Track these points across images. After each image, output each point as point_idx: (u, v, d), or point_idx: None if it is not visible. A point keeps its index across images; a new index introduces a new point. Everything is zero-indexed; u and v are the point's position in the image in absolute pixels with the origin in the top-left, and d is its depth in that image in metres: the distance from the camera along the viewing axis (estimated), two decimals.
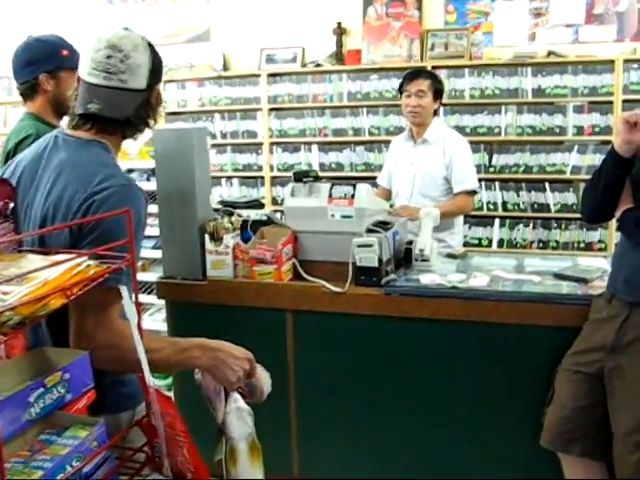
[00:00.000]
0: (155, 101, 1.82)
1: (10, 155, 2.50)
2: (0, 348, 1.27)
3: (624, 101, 4.84)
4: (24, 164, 1.74)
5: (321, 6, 5.71)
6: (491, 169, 5.23)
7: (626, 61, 4.79)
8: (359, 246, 2.61)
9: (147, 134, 3.66)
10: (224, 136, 5.99)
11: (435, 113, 3.74)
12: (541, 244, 5.19)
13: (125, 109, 1.71)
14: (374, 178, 4.29)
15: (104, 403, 1.46)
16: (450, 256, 3.17)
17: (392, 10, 5.57)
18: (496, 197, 5.25)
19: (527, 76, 5.12)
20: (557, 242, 5.16)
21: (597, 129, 4.99)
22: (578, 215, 3.50)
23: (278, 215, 3.30)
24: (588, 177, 2.40)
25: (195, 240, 2.83)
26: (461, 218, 3.85)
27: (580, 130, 5.04)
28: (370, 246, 2.59)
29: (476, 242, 5.29)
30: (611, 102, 4.92)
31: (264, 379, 1.75)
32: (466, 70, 5.23)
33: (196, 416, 2.98)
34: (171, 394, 3.07)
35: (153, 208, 3.23)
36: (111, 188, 1.58)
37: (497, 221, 5.28)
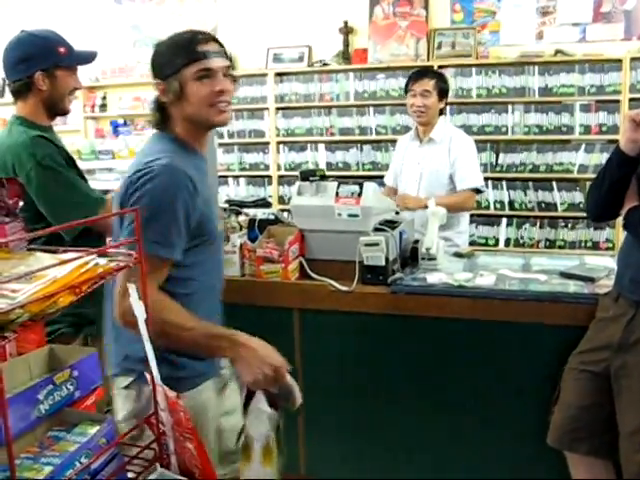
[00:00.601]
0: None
1: (10, 171, 2.30)
2: (10, 345, 1.28)
3: (631, 99, 4.84)
4: None
5: (328, 5, 5.72)
6: (498, 168, 5.24)
7: (633, 59, 4.79)
8: (366, 245, 2.61)
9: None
10: (231, 135, 6.01)
11: (441, 112, 3.74)
12: (548, 243, 5.19)
13: None
14: (381, 177, 4.30)
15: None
16: (457, 255, 3.17)
17: (399, 9, 5.58)
18: (503, 196, 5.25)
19: (534, 75, 5.12)
20: (564, 241, 5.16)
21: (604, 128, 4.99)
22: (585, 214, 3.54)
23: (285, 214, 3.31)
24: (595, 176, 2.40)
25: None
26: (467, 217, 3.85)
27: (587, 129, 5.04)
28: (377, 245, 2.60)
29: (483, 241, 5.29)
30: (618, 101, 4.92)
31: (296, 389, 1.75)
32: (473, 69, 5.24)
33: None
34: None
35: None
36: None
37: (504, 220, 5.29)
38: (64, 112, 2.51)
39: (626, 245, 2.36)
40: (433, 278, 2.70)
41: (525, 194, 5.20)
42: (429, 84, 3.61)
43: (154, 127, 1.97)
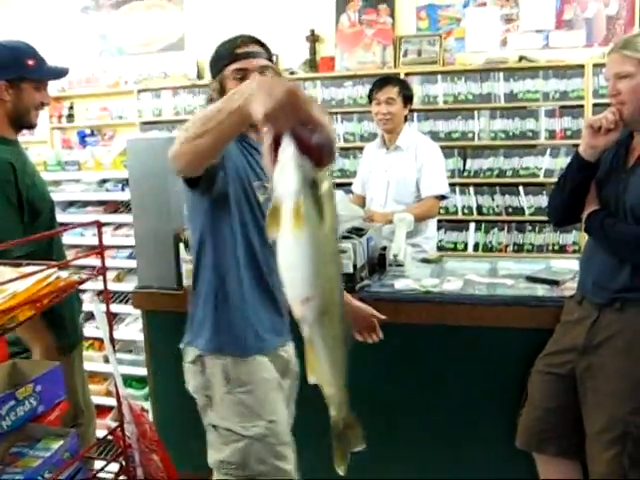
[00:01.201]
0: None
1: None
2: None
3: (594, 105, 4.90)
4: None
5: (294, 14, 5.73)
6: (465, 174, 5.28)
7: (595, 65, 4.85)
8: None
9: (122, 144, 3.68)
10: None
11: (405, 119, 3.76)
12: (516, 247, 5.24)
13: None
14: (349, 184, 4.31)
15: None
16: (424, 261, 3.20)
17: (365, 17, 5.61)
18: (471, 201, 5.29)
19: (499, 81, 5.17)
20: (532, 245, 5.21)
21: (569, 132, 5.05)
22: None
23: None
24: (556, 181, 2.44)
25: (170, 249, 2.83)
26: (435, 222, 3.88)
27: (552, 134, 5.10)
28: (344, 252, 2.61)
29: (452, 246, 5.32)
30: (582, 106, 4.98)
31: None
32: (439, 76, 5.28)
33: (173, 425, 2.99)
34: (148, 404, 3.07)
35: (128, 218, 3.23)
36: None
37: (472, 225, 5.32)
38: (30, 126, 2.44)
39: (588, 249, 2.40)
40: (400, 284, 2.72)
41: (492, 199, 5.25)
42: (393, 91, 3.63)
43: None
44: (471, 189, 5.28)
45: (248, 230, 2.02)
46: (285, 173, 1.24)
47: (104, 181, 3.83)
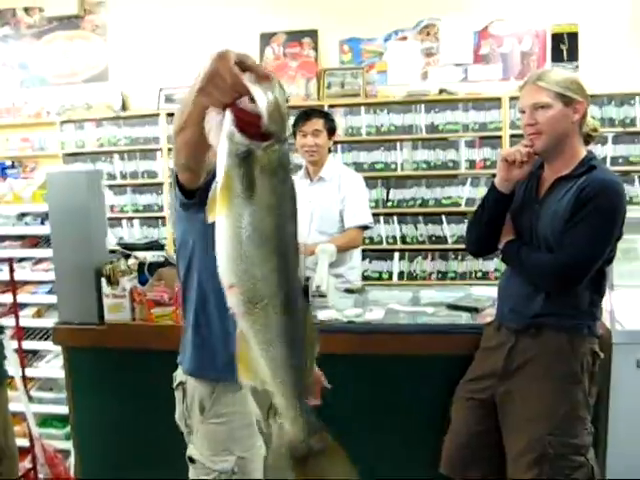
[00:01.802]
0: None
1: None
2: None
3: (511, 136, 5.07)
4: None
5: (218, 46, 5.68)
6: (389, 203, 5.35)
7: (511, 98, 5.01)
8: None
9: (43, 176, 3.61)
10: (124, 177, 5.91)
11: (329, 151, 3.81)
12: (440, 275, 5.33)
13: None
14: None
15: None
16: (348, 291, 3.23)
17: (289, 50, 5.68)
18: (395, 231, 5.37)
19: (420, 113, 5.29)
20: (455, 272, 5.31)
21: (488, 162, 5.18)
22: None
23: None
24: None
25: (91, 284, 2.79)
26: (359, 252, 3.91)
27: (472, 164, 5.24)
28: None
29: (377, 275, 5.37)
30: (500, 137, 5.14)
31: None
32: (362, 108, 5.36)
33: (96, 462, 2.92)
34: (69, 443, 3.00)
35: (48, 252, 3.17)
36: None
37: (396, 254, 5.38)
38: None
39: (505, 276, 2.47)
40: (324, 315, 2.73)
41: (416, 228, 5.34)
42: (319, 123, 3.67)
43: None
44: (395, 219, 5.36)
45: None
46: (219, 149, 1.15)
47: (23, 215, 3.74)
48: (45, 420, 3.63)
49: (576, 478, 2.20)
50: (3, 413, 2.42)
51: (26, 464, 2.40)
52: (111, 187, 5.82)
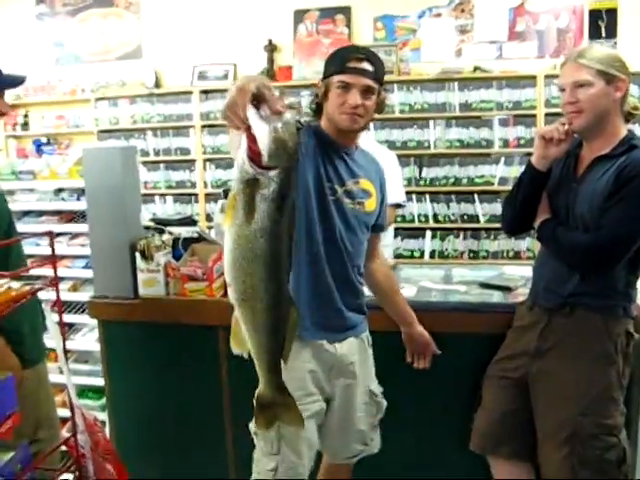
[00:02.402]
0: None
1: None
2: None
3: (546, 114, 5.01)
4: None
5: (252, 23, 5.75)
6: (421, 182, 5.34)
7: (547, 76, 4.96)
8: None
9: (78, 153, 3.65)
10: (157, 153, 5.96)
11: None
12: (472, 254, 5.32)
13: None
14: None
15: None
16: None
17: (322, 27, 5.66)
18: (427, 209, 5.36)
19: (454, 91, 5.25)
20: (487, 252, 5.29)
21: (522, 141, 5.14)
22: None
23: (210, 232, 3.31)
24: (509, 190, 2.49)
25: (126, 259, 2.82)
26: (391, 231, 3.90)
27: (506, 143, 5.19)
28: None
29: (409, 254, 5.37)
30: (534, 115, 5.09)
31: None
32: (395, 85, 5.32)
33: (130, 435, 2.98)
34: (105, 415, 3.05)
35: (84, 227, 3.22)
36: None
37: (428, 233, 5.38)
38: None
39: (540, 256, 2.45)
40: None
41: (448, 207, 5.32)
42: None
43: (312, 116, 2.30)
44: (427, 197, 5.35)
45: (312, 226, 2.13)
46: (234, 170, 1.40)
47: (60, 190, 3.80)
48: (81, 392, 3.71)
49: (608, 458, 2.19)
50: (45, 388, 2.45)
51: (63, 432, 2.44)
52: (144, 164, 5.87)
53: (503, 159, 5.20)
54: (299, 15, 5.71)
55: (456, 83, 5.24)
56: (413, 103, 5.33)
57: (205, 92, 5.81)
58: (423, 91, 5.30)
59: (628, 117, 2.28)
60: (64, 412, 2.98)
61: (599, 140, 2.24)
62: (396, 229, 4.26)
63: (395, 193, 3.67)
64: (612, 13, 5.06)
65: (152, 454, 2.92)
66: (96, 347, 3.26)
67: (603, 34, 5.09)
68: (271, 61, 5.73)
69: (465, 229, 5.34)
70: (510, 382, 2.40)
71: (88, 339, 3.85)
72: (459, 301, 2.67)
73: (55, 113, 6.35)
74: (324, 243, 2.16)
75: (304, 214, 2.10)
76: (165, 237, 2.88)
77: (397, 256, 4.87)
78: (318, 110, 2.27)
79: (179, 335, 2.80)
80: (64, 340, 1.24)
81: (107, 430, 2.85)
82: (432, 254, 5.38)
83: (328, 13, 5.64)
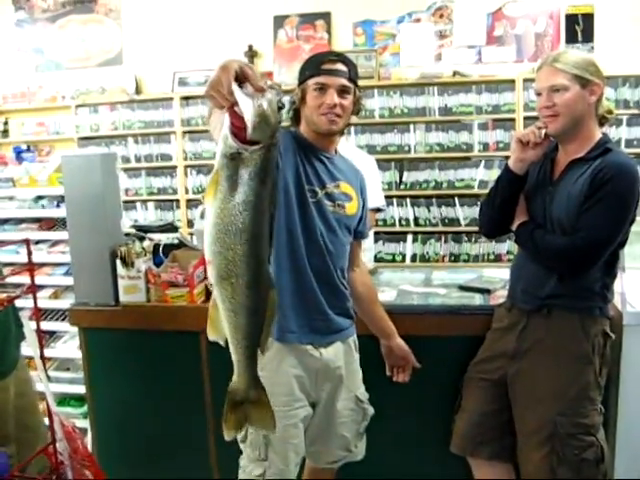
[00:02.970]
0: None
1: None
2: None
3: (525, 118, 5.06)
4: None
5: (232, 29, 5.76)
6: (402, 186, 5.37)
7: (525, 80, 5.01)
8: None
9: (58, 160, 3.64)
10: (138, 160, 5.95)
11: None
12: (453, 257, 5.35)
13: None
14: None
15: None
16: None
17: (302, 33, 5.69)
18: (408, 213, 5.38)
19: (434, 95, 5.29)
20: (468, 255, 5.33)
21: (501, 145, 5.19)
22: None
23: (191, 238, 3.32)
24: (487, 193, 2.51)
25: (106, 266, 2.82)
26: (371, 235, 3.91)
27: (485, 146, 5.24)
28: None
29: (390, 258, 5.39)
30: (513, 119, 5.14)
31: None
32: (375, 90, 5.36)
33: (113, 442, 2.97)
34: (87, 422, 3.04)
35: (64, 235, 3.21)
36: None
37: (409, 236, 5.41)
38: None
39: (518, 258, 2.48)
40: None
41: (429, 210, 5.35)
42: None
43: (291, 123, 2.32)
44: (408, 201, 5.38)
45: (293, 227, 2.14)
46: (217, 147, 1.41)
47: (39, 198, 3.78)
48: (62, 400, 3.69)
49: (585, 457, 2.21)
50: (17, 399, 2.41)
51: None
52: (126, 170, 5.86)
53: (483, 162, 5.24)
54: (279, 21, 5.73)
55: (436, 87, 5.28)
56: (393, 107, 5.36)
57: (186, 98, 5.80)
58: (403, 95, 5.34)
59: (602, 120, 2.31)
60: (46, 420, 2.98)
61: (574, 144, 2.26)
62: (377, 233, 4.28)
63: (375, 197, 3.68)
64: (588, 18, 5.13)
65: (135, 461, 2.91)
66: (77, 355, 3.25)
67: (580, 38, 5.15)
68: None
69: (446, 232, 5.37)
70: (489, 383, 2.42)
71: (69, 347, 3.82)
72: (439, 304, 2.69)
73: (35, 120, 6.32)
74: (305, 243, 2.16)
75: (284, 215, 2.11)
76: (146, 244, 2.89)
77: (378, 260, 4.89)
78: (296, 117, 2.29)
79: (160, 341, 2.80)
80: (42, 348, 1.24)
81: (89, 437, 2.84)
82: (413, 258, 5.41)
83: (308, 19, 5.67)
